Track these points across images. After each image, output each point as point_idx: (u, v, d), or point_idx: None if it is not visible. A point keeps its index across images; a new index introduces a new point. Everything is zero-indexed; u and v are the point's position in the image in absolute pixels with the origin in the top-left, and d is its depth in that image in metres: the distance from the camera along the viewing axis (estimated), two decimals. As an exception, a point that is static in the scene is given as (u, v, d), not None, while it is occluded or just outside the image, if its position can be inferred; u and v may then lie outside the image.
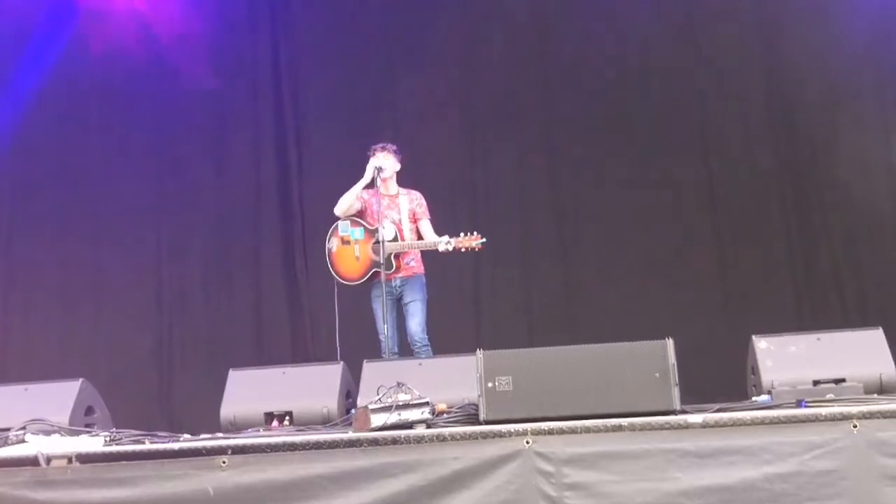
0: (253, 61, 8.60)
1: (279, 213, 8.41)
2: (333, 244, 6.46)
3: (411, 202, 6.49)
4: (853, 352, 4.72)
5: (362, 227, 6.42)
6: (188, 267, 8.38)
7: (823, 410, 3.83)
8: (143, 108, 8.42)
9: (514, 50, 8.30)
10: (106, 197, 8.32)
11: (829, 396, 4.27)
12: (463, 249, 6.13)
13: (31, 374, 6.04)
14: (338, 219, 6.47)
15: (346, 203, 6.39)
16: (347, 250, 6.38)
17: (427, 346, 6.27)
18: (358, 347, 6.11)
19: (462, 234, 6.16)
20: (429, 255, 6.55)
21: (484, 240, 6.12)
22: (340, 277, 6.39)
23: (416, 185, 6.69)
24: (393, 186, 6.53)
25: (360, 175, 6.41)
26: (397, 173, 6.55)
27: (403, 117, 8.23)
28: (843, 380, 4.52)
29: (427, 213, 6.50)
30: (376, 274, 6.20)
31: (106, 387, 5.58)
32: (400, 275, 6.33)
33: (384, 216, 6.30)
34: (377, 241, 6.23)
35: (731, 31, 7.90)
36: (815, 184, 7.86)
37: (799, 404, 4.17)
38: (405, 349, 6.35)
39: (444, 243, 6.14)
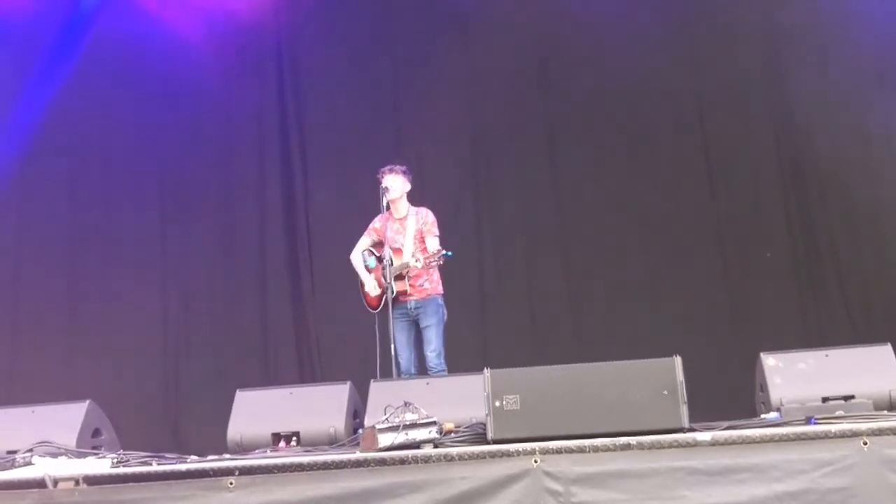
0: (258, 79, 8.65)
1: (285, 232, 8.43)
2: (360, 279, 6.59)
3: (418, 221, 6.48)
4: (862, 368, 4.71)
5: (374, 256, 6.56)
6: (194, 287, 8.40)
7: (833, 427, 3.82)
8: (149, 130, 8.46)
9: (519, 71, 8.32)
10: (112, 220, 8.38)
11: (839, 413, 4.24)
12: (433, 263, 6.09)
13: (37, 396, 6.03)
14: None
15: (355, 263, 6.61)
16: (367, 279, 6.51)
17: (443, 370, 6.27)
18: (371, 368, 6.12)
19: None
20: (443, 274, 6.56)
21: (446, 252, 6.01)
22: (369, 306, 6.51)
23: (420, 200, 6.68)
24: (403, 208, 6.53)
25: (366, 194, 6.48)
26: (408, 193, 6.56)
27: (408, 134, 8.24)
28: (853, 396, 4.51)
29: (434, 229, 6.44)
30: (394, 300, 6.29)
31: (112, 409, 5.59)
32: (414, 297, 6.36)
33: (393, 241, 6.38)
34: (385, 268, 6.31)
35: (733, 44, 7.90)
36: (821, 197, 7.84)
37: (808, 421, 4.15)
38: (423, 371, 6.35)
39: (414, 261, 6.15)
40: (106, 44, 8.30)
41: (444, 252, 6.00)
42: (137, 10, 8.36)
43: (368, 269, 6.54)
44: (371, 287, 6.42)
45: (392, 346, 6.16)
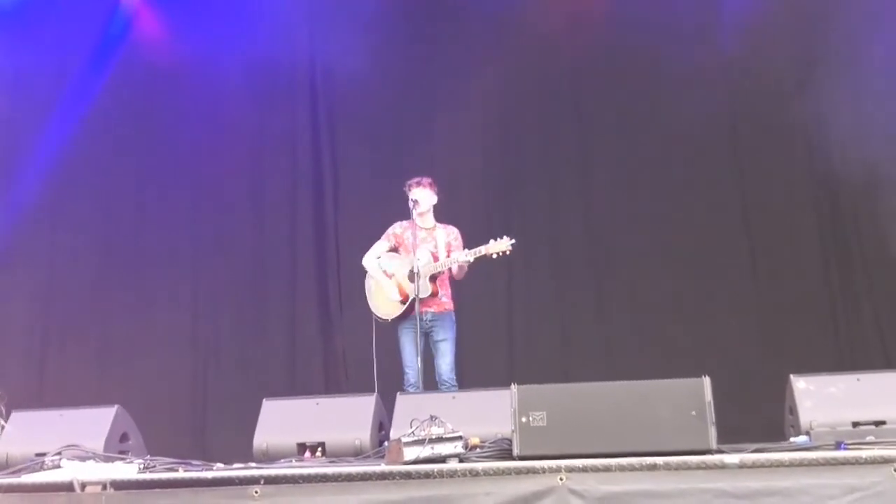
0: (290, 95, 8.74)
1: (314, 244, 8.47)
2: (371, 283, 6.55)
3: (448, 236, 6.55)
4: (894, 393, 4.64)
5: (398, 260, 6.50)
6: (223, 297, 8.47)
7: (864, 453, 3.76)
8: (183, 152, 8.56)
9: (551, 93, 8.35)
10: (144, 233, 8.48)
11: (870, 438, 4.16)
12: (495, 255, 6.11)
13: (67, 401, 6.09)
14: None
15: (370, 267, 6.57)
16: (386, 284, 6.43)
17: (455, 386, 6.29)
18: (390, 379, 6.12)
19: (492, 241, 6.16)
20: (462, 289, 6.55)
21: (513, 241, 6.08)
22: (380, 314, 6.46)
23: (449, 216, 6.72)
24: (430, 220, 6.58)
25: (395, 213, 6.54)
26: (434, 207, 6.60)
27: (439, 152, 8.23)
28: (884, 422, 4.43)
29: (462, 247, 6.48)
30: (411, 308, 6.23)
31: (140, 415, 5.63)
32: (432, 309, 6.36)
33: (420, 247, 6.34)
34: (412, 271, 6.26)
35: (773, 81, 7.84)
36: (854, 220, 7.77)
37: (838, 446, 4.09)
38: (430, 385, 6.34)
39: (465, 255, 6.18)
40: (138, 69, 8.47)
41: (512, 241, 6.05)
42: (167, 38, 8.48)
43: (387, 274, 6.49)
44: (393, 292, 6.39)
45: (417, 358, 6.17)
